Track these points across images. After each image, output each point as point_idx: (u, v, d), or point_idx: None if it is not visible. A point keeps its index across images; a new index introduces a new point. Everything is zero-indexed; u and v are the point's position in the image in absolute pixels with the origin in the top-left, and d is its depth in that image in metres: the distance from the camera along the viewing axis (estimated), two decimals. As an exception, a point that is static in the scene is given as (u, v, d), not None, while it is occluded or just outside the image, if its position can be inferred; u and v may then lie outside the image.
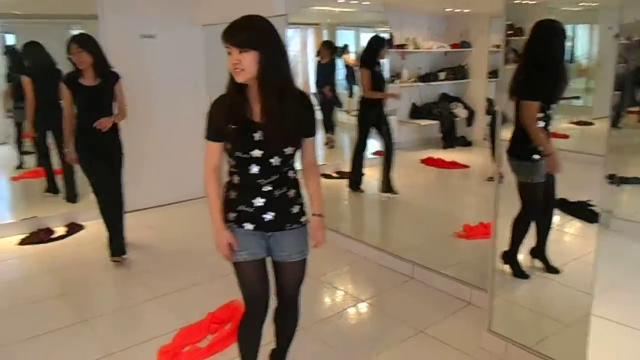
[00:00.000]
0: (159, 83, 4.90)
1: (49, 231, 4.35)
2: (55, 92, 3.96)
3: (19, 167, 5.37)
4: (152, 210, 4.97)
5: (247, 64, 1.71)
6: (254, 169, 1.83)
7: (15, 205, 5.47)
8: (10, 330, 2.91)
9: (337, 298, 3.30)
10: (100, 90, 3.54)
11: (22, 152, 6.44)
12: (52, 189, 5.03)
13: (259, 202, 1.87)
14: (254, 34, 1.73)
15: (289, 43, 4.98)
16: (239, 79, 1.74)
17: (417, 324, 2.89)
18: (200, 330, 2.76)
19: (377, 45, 4.88)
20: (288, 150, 1.84)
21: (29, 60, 4.84)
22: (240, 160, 1.83)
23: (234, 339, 2.63)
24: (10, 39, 7.62)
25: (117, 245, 3.75)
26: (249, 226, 1.90)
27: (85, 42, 3.48)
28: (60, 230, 4.39)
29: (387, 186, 4.91)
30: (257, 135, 1.79)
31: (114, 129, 3.65)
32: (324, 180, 5.43)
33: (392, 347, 2.69)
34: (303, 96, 1.88)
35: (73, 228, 4.42)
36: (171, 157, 5.06)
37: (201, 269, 3.64)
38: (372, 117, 4.86)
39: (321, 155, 6.57)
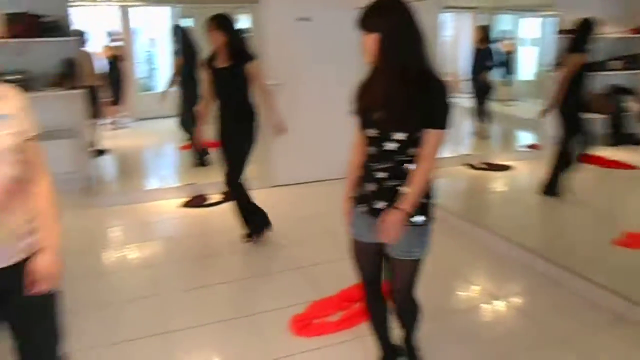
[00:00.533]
0: (312, 65, 5.08)
1: (205, 197, 4.79)
2: (196, 73, 4.34)
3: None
4: (296, 187, 5.21)
5: (369, 45, 1.79)
6: (371, 150, 1.88)
7: (180, 171, 6.14)
8: (168, 281, 3.30)
9: (471, 293, 3.19)
10: (230, 73, 3.46)
11: None
12: (199, 162, 5.63)
13: (371, 187, 1.91)
14: (376, 17, 1.78)
15: (442, 27, 4.84)
16: (365, 59, 1.84)
17: (559, 332, 2.68)
18: (332, 305, 2.86)
19: (588, 29, 4.41)
20: (399, 135, 1.78)
21: (178, 42, 5.50)
22: (365, 139, 1.90)
23: (362, 318, 2.71)
24: (189, 24, 8.49)
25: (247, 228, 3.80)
26: (362, 208, 1.96)
27: (221, 22, 3.42)
28: (215, 197, 4.81)
29: (553, 187, 4.35)
30: (375, 115, 1.83)
31: (249, 117, 3.59)
32: (465, 170, 5.33)
33: (529, 353, 2.53)
34: (434, 83, 1.80)
35: (227, 196, 4.82)
36: (319, 136, 5.24)
37: (339, 246, 3.75)
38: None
39: (468, 144, 6.32)
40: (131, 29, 9.32)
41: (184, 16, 9.14)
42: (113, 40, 8.55)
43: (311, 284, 3.21)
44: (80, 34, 5.30)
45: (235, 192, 3.70)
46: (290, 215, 4.48)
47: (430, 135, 1.79)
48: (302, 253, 3.67)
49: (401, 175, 1.84)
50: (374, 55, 1.80)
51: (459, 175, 5.30)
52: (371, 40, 1.77)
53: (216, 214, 4.53)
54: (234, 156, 3.62)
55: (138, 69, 9.81)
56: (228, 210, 4.61)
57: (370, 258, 2.04)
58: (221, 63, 3.45)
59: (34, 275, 1.48)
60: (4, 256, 1.44)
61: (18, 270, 1.46)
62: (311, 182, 5.28)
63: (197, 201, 4.71)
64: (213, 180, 5.02)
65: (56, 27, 4.59)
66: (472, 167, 5.32)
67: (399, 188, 1.84)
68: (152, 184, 5.84)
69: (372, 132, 1.85)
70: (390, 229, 1.82)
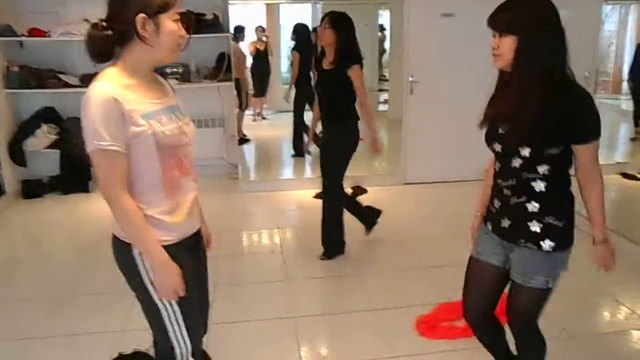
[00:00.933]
0: (452, 62, 4.92)
1: (338, 190, 4.90)
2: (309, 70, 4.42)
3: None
4: (427, 186, 5.11)
5: (505, 49, 1.57)
6: (497, 165, 1.74)
7: (316, 163, 6.34)
8: (297, 268, 3.43)
9: (619, 315, 2.88)
10: (333, 76, 3.29)
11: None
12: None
13: (497, 204, 1.76)
14: (516, 17, 1.55)
15: (605, 21, 4.41)
16: (496, 64, 1.63)
17: None
18: (459, 310, 2.76)
19: None
20: (525, 152, 1.58)
21: (299, 38, 5.72)
22: (493, 154, 1.76)
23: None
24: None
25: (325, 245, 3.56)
26: (489, 226, 1.82)
27: (335, 20, 3.26)
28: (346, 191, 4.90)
29: None
30: (501, 128, 1.65)
31: (346, 122, 3.40)
32: (621, 180, 4.80)
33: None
34: (577, 91, 1.57)
35: (357, 190, 4.89)
36: (455, 135, 5.08)
37: (468, 251, 3.63)
38: None
39: (624, 151, 5.72)
40: (279, 25, 9.79)
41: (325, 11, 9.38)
42: (260, 36, 9.06)
43: (437, 286, 3.14)
44: (234, 30, 5.73)
45: (331, 195, 3.55)
46: (419, 214, 4.43)
47: (580, 149, 1.59)
48: (429, 253, 3.61)
49: (527, 193, 1.65)
50: (506, 60, 1.58)
51: (613, 185, 4.80)
52: (508, 42, 1.55)
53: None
54: (328, 160, 3.51)
55: (282, 64, 10.29)
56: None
57: (486, 280, 1.86)
58: (326, 65, 3.31)
59: (207, 236, 1.85)
60: (197, 222, 1.73)
61: (199, 233, 1.78)
62: (443, 182, 5.14)
63: (329, 193, 4.83)
64: (346, 174, 5.13)
65: (215, 24, 4.98)
66: (629, 176, 4.80)
67: (524, 205, 1.66)
68: (289, 174, 6.12)
69: (497, 147, 1.69)
70: (606, 261, 1.71)
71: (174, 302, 1.59)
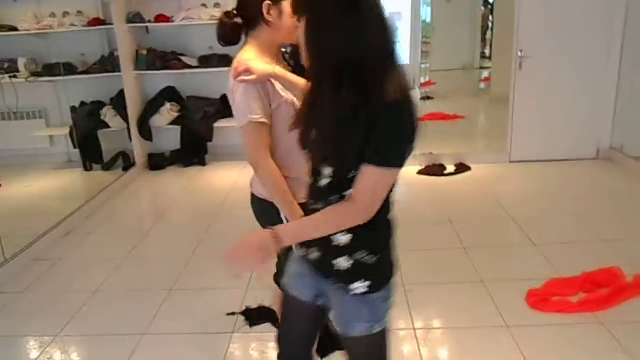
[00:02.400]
0: (565, 37, 4.72)
1: (442, 167, 4.92)
2: None
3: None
4: (533, 164, 4.98)
5: (300, 35, 1.23)
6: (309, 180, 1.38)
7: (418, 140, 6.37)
8: (402, 241, 3.54)
9: None
10: None
11: (423, 98, 7.56)
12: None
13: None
14: None
15: None
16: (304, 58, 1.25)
17: None
18: (573, 285, 2.76)
19: None
20: (327, 170, 1.26)
21: None
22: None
23: (608, 305, 2.57)
24: (426, 13, 8.60)
25: None
26: (300, 251, 1.45)
27: None
28: (450, 168, 4.92)
29: None
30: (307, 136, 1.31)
31: None
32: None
33: None
34: (378, 95, 1.14)
35: (461, 168, 4.89)
36: (565, 113, 4.91)
37: (577, 228, 3.57)
38: None
39: None
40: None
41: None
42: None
43: (548, 261, 3.12)
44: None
45: None
46: (526, 192, 4.37)
47: (364, 171, 1.19)
48: (537, 230, 3.56)
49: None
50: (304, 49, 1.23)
51: None
52: (301, 27, 1.22)
53: (450, 183, 4.66)
54: None
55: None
56: (462, 181, 4.71)
57: (295, 318, 1.53)
58: None
59: None
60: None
61: None
62: (551, 160, 4.98)
63: (433, 170, 4.88)
64: (449, 151, 5.13)
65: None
66: None
67: (330, 238, 1.30)
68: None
69: (307, 156, 1.34)
70: (237, 248, 1.30)
71: None
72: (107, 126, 5.25)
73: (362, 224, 1.24)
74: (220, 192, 4.62)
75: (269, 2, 1.68)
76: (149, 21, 5.22)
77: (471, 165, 4.93)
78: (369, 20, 1.15)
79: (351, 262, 1.30)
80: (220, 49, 5.09)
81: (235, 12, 1.76)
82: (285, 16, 1.69)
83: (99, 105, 5.32)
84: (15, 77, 5.04)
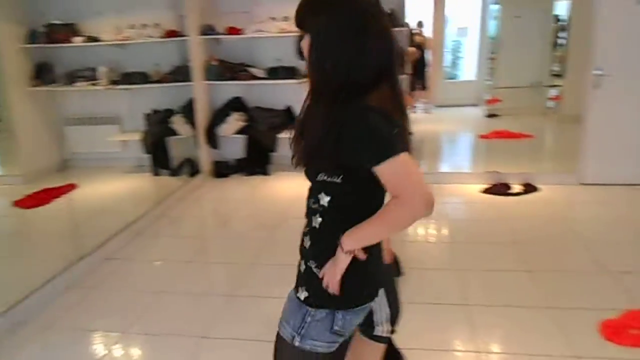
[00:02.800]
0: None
1: (507, 186, 4.77)
2: None
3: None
4: (607, 187, 4.74)
5: (305, 51, 1.27)
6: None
7: (480, 159, 6.24)
8: (464, 258, 3.45)
9: None
10: None
11: (488, 115, 7.44)
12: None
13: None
14: (303, 10, 1.26)
15: None
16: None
17: None
18: (653, 318, 2.59)
19: None
20: (320, 176, 1.32)
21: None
22: None
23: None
24: (494, 29, 8.47)
25: None
26: None
27: None
28: (516, 188, 4.76)
29: None
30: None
31: None
32: None
33: None
34: (353, 111, 1.20)
35: (529, 188, 4.72)
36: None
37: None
38: None
39: None
40: (444, 17, 9.71)
41: (495, 2, 9.09)
42: (419, 30, 9.09)
43: (625, 292, 2.95)
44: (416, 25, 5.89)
45: None
46: (600, 217, 4.16)
47: (378, 172, 1.21)
48: (613, 257, 3.38)
49: (308, 225, 1.40)
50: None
51: None
52: (306, 44, 1.26)
53: (517, 203, 4.51)
54: None
55: (444, 58, 10.20)
56: (529, 202, 4.55)
57: None
58: None
59: None
60: None
61: None
62: (627, 184, 4.73)
63: (498, 189, 4.74)
64: (516, 170, 4.98)
65: (393, 19, 5.15)
66: None
67: (303, 238, 1.44)
68: (449, 167, 6.10)
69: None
70: (327, 274, 1.34)
71: None
72: (176, 133, 5.46)
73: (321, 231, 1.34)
74: (282, 202, 4.68)
75: None
76: (221, 33, 5.40)
77: (538, 186, 4.75)
78: (374, 45, 1.20)
79: (304, 267, 1.39)
80: (287, 62, 5.26)
81: None
82: None
83: (169, 112, 5.54)
84: (95, 84, 5.35)
